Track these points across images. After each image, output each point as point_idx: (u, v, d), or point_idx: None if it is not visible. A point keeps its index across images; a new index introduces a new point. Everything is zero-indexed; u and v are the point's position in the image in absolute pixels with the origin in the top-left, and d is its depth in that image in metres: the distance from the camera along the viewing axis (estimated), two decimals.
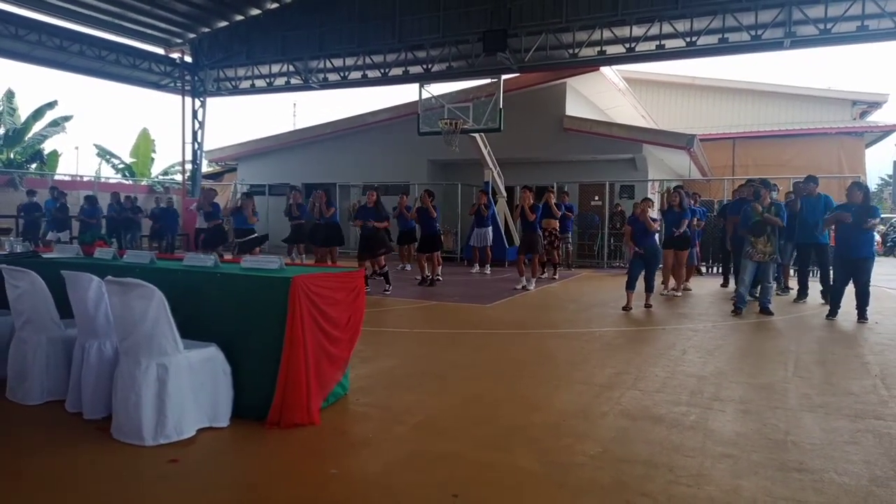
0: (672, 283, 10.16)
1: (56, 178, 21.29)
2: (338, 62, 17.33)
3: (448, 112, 14.40)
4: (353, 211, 17.15)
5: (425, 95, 14.95)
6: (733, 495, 2.82)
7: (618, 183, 17.07)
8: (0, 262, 4.56)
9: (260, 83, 18.96)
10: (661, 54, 14.21)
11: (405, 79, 16.76)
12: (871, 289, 7.69)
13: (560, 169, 17.61)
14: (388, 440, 3.51)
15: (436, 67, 16.02)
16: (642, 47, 14.00)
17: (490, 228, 13.26)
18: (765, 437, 3.58)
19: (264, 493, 2.84)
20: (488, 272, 13.22)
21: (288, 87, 18.76)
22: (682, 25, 13.51)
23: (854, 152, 22.95)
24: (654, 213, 8.97)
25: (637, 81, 25.51)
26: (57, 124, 23.31)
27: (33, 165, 22.99)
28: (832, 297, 7.95)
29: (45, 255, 5.20)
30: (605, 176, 16.80)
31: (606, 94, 19.91)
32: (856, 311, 7.62)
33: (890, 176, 30.56)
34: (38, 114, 22.86)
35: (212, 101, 20.26)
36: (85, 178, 22.82)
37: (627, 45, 14.09)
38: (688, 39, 13.54)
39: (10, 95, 23.10)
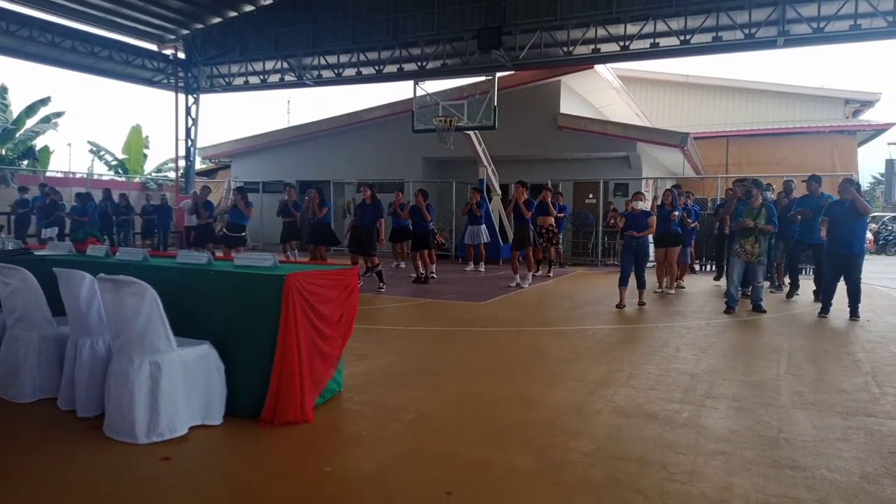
0: (665, 280, 10.20)
1: (48, 174, 21.16)
2: (332, 59, 17.28)
3: (443, 109, 14.38)
4: (347, 207, 17.17)
5: (420, 93, 14.93)
6: (726, 492, 2.83)
7: (612, 181, 17.10)
8: None
9: (254, 80, 18.88)
10: (655, 52, 14.23)
11: (400, 76, 16.73)
12: (862, 286, 7.74)
13: (554, 167, 17.63)
14: (383, 438, 3.51)
15: (430, 65, 16.00)
16: (636, 45, 14.01)
17: (483, 226, 13.27)
18: (757, 434, 3.59)
19: (258, 491, 2.83)
20: (483, 270, 13.23)
21: (282, 84, 18.69)
22: (676, 24, 13.53)
23: (847, 151, 23.07)
24: (646, 206, 8.96)
25: (631, 79, 25.56)
26: (49, 120, 23.18)
27: (25, 162, 22.86)
28: (823, 295, 7.99)
29: (36, 253, 5.17)
30: (600, 174, 16.82)
31: (601, 92, 19.92)
32: (848, 309, 7.67)
33: (882, 174, 30.71)
34: (30, 110, 22.73)
35: (205, 98, 20.18)
36: (77, 175, 22.71)
37: (622, 44, 14.10)
38: (682, 38, 13.56)
39: (2, 91, 22.95)
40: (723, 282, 10.44)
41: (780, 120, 25.74)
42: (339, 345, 4.05)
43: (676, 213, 9.84)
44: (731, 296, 8.14)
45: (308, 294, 3.72)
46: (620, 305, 8.42)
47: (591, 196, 17.27)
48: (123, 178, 23.68)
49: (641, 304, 8.61)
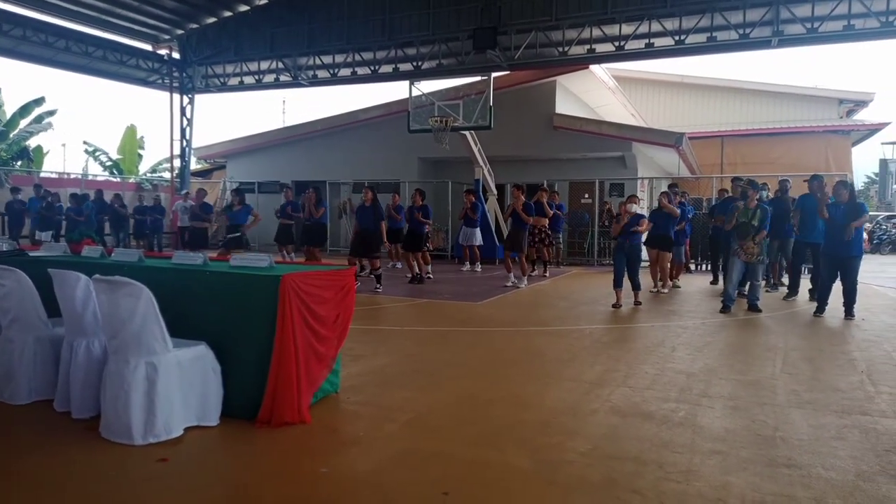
0: (658, 282, 10.23)
1: (42, 175, 21.07)
2: (327, 59, 17.27)
3: (438, 110, 14.38)
4: (343, 208, 17.15)
5: (415, 93, 14.92)
6: (722, 491, 2.84)
7: (607, 181, 17.12)
8: None
9: (249, 80, 18.85)
10: (650, 53, 14.27)
11: (395, 76, 16.73)
12: (858, 286, 7.77)
13: (550, 167, 17.65)
14: (379, 438, 3.51)
15: (426, 65, 16.01)
16: (631, 46, 14.05)
17: (478, 229, 13.27)
18: (753, 433, 3.60)
19: (254, 492, 2.83)
20: (479, 270, 13.23)
21: (277, 84, 18.68)
22: (670, 24, 13.57)
23: (841, 150, 23.17)
24: (640, 209, 8.98)
25: (627, 80, 25.59)
26: (42, 120, 23.08)
27: (19, 163, 22.76)
28: (819, 295, 8.02)
29: (31, 254, 5.15)
30: (595, 174, 16.84)
31: (596, 93, 19.96)
32: (843, 309, 7.70)
33: (876, 174, 30.85)
34: (24, 110, 22.63)
35: (200, 98, 20.14)
36: (72, 176, 22.60)
37: (617, 44, 14.14)
38: (676, 38, 13.61)
39: None
40: (719, 284, 10.46)
41: (775, 120, 25.83)
42: (334, 345, 4.04)
43: (680, 215, 9.93)
44: (728, 295, 8.16)
45: (304, 295, 3.71)
46: (616, 305, 8.44)
47: (586, 196, 17.29)
48: (118, 179, 23.60)
49: (637, 303, 8.63)
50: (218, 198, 21.10)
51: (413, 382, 4.68)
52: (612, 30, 14.06)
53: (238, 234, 10.90)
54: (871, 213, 24.02)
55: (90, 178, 22.35)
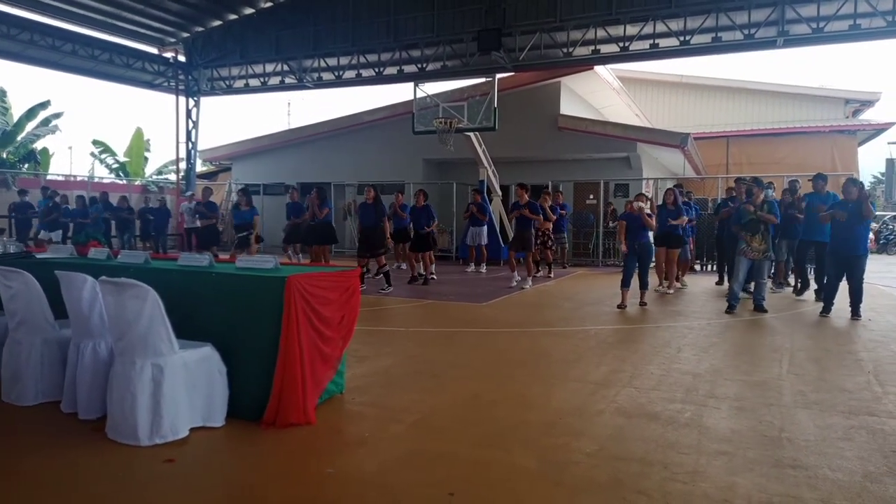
0: (664, 281, 10.21)
1: (49, 177, 21.19)
2: (332, 61, 17.30)
3: (443, 111, 14.39)
4: (347, 209, 17.16)
5: (420, 94, 14.94)
6: (728, 492, 2.83)
7: (612, 181, 17.10)
8: None
9: (254, 82, 18.90)
10: (654, 53, 14.24)
11: (400, 78, 16.74)
12: (864, 286, 7.73)
13: (555, 168, 17.64)
14: (385, 439, 3.51)
15: (430, 66, 16.01)
16: (636, 46, 14.02)
17: (485, 227, 13.27)
18: (760, 433, 3.59)
19: (260, 493, 2.83)
20: (484, 270, 13.23)
21: (282, 87, 18.72)
22: (675, 24, 13.54)
23: (847, 150, 23.08)
24: (646, 207, 8.96)
25: (631, 80, 25.57)
26: (49, 123, 23.20)
27: (26, 165, 22.89)
28: (825, 294, 7.99)
29: (38, 256, 5.18)
30: (600, 174, 16.82)
31: (601, 93, 19.94)
32: (849, 309, 7.67)
33: (882, 174, 30.70)
34: (30, 114, 22.75)
35: (206, 101, 20.20)
36: (78, 178, 22.72)
37: (621, 44, 14.11)
38: (681, 38, 13.57)
39: (2, 94, 22.98)
40: (725, 285, 10.42)
41: (781, 120, 25.75)
42: (339, 346, 4.05)
43: (683, 216, 9.88)
44: (733, 294, 8.14)
45: (309, 296, 3.72)
46: (622, 306, 8.42)
47: (591, 197, 17.27)
48: (124, 181, 23.70)
49: (643, 304, 8.61)
50: (224, 199, 21.16)
51: (418, 383, 4.68)
52: (617, 30, 14.04)
53: (247, 233, 10.93)
54: (877, 213, 23.93)
55: (96, 180, 22.46)
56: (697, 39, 13.51)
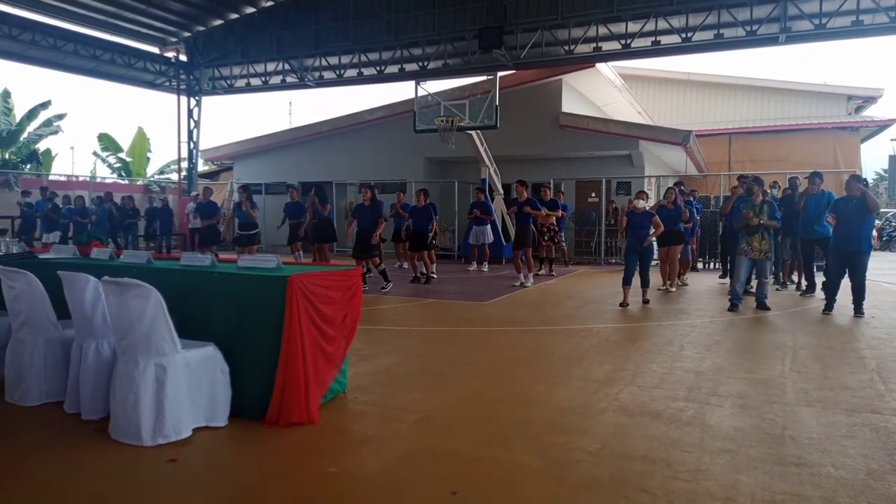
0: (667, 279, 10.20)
1: (51, 178, 21.23)
2: (333, 60, 17.30)
3: (444, 109, 14.39)
4: (350, 209, 17.17)
5: (421, 93, 14.93)
6: (732, 490, 2.83)
7: (614, 179, 17.08)
8: None
9: (255, 82, 18.92)
10: (656, 50, 14.22)
11: (401, 76, 16.75)
12: (867, 283, 7.71)
13: (556, 166, 17.62)
14: (387, 438, 3.51)
15: (432, 65, 16.01)
16: (638, 43, 14.01)
17: (489, 226, 13.27)
18: (763, 431, 3.59)
19: (263, 493, 2.84)
20: (486, 269, 13.23)
21: (283, 86, 18.74)
22: (677, 21, 13.53)
23: (850, 147, 23.02)
24: (646, 206, 8.92)
25: (633, 78, 25.52)
26: (50, 124, 23.24)
27: (28, 166, 22.93)
28: (826, 292, 7.97)
29: (41, 256, 5.19)
30: (602, 172, 16.81)
31: (602, 91, 19.90)
32: (852, 306, 7.65)
33: (885, 170, 30.63)
34: (31, 114, 22.79)
35: (207, 100, 20.23)
36: (80, 178, 22.76)
37: (623, 42, 14.09)
38: (683, 35, 13.56)
39: (5, 95, 23.02)
40: (728, 279, 10.41)
41: (783, 117, 25.69)
42: (342, 345, 4.05)
43: (688, 215, 9.88)
44: (735, 293, 8.13)
45: (311, 295, 3.72)
46: (624, 304, 8.41)
47: (593, 195, 17.25)
48: (126, 181, 23.74)
49: (645, 302, 8.60)
50: (225, 199, 21.18)
51: (420, 382, 4.68)
52: (619, 28, 14.03)
53: (255, 231, 10.94)
54: (880, 210, 23.86)
55: (98, 180, 22.49)
56: (699, 36, 13.50)
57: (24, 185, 17.45)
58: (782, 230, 9.42)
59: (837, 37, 13.08)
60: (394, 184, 17.60)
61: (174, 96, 19.36)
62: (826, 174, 9.92)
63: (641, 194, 8.88)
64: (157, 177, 25.76)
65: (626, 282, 8.53)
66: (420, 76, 15.59)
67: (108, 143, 24.77)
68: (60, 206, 14.70)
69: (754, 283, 8.57)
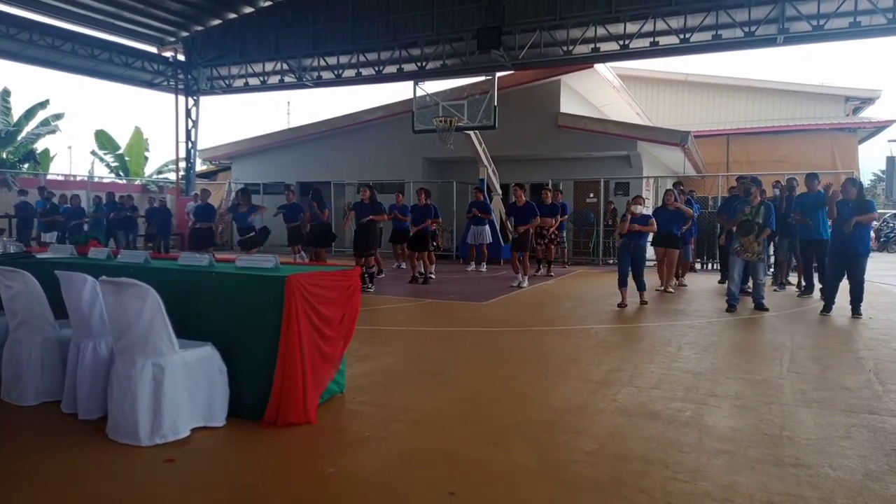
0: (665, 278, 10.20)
1: (49, 177, 21.19)
2: (332, 60, 17.29)
3: (443, 110, 14.38)
4: (348, 208, 17.16)
5: (420, 93, 14.93)
6: (729, 491, 2.83)
7: (612, 180, 17.09)
8: None
9: (253, 81, 18.90)
10: (654, 51, 14.23)
11: (399, 77, 16.74)
12: (864, 284, 7.73)
13: (555, 166, 17.63)
14: (385, 438, 3.51)
15: (430, 65, 16.01)
16: (636, 44, 14.01)
17: (487, 226, 13.27)
18: (760, 432, 3.59)
19: (261, 493, 2.83)
20: (484, 270, 13.23)
21: (282, 86, 18.72)
22: (675, 22, 13.54)
23: (847, 148, 23.04)
24: (645, 209, 8.93)
25: (631, 78, 25.54)
26: (48, 123, 23.19)
27: (25, 165, 22.89)
28: (825, 293, 7.98)
29: (38, 256, 5.18)
30: (600, 173, 16.82)
31: (601, 92, 19.91)
32: (850, 307, 7.66)
33: (883, 171, 30.67)
34: (29, 114, 22.75)
35: (205, 100, 20.20)
36: (78, 178, 22.72)
37: (621, 42, 14.10)
38: (681, 36, 13.57)
39: (5, 94, 22.97)
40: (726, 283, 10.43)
41: (781, 118, 25.72)
42: (340, 346, 4.05)
43: (690, 211, 9.92)
44: (731, 294, 8.14)
45: (310, 295, 3.72)
46: (622, 305, 8.42)
47: (591, 195, 17.26)
48: (124, 181, 23.70)
49: (643, 303, 8.61)
50: (223, 200, 21.15)
51: (419, 382, 4.68)
52: (617, 28, 14.04)
53: (252, 234, 10.92)
54: (878, 211, 23.92)
55: (96, 180, 22.45)
56: (697, 37, 13.51)
57: (21, 185, 17.42)
58: (780, 231, 9.42)
59: (835, 38, 13.10)
60: (392, 184, 17.59)
61: (172, 96, 19.33)
62: (824, 175, 9.94)
63: (639, 199, 8.89)
64: (155, 176, 25.72)
65: (622, 283, 8.53)
66: (418, 76, 15.58)
67: (104, 140, 24.68)
68: (58, 205, 14.67)
69: (751, 283, 8.58)
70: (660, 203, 10.67)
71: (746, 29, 13.01)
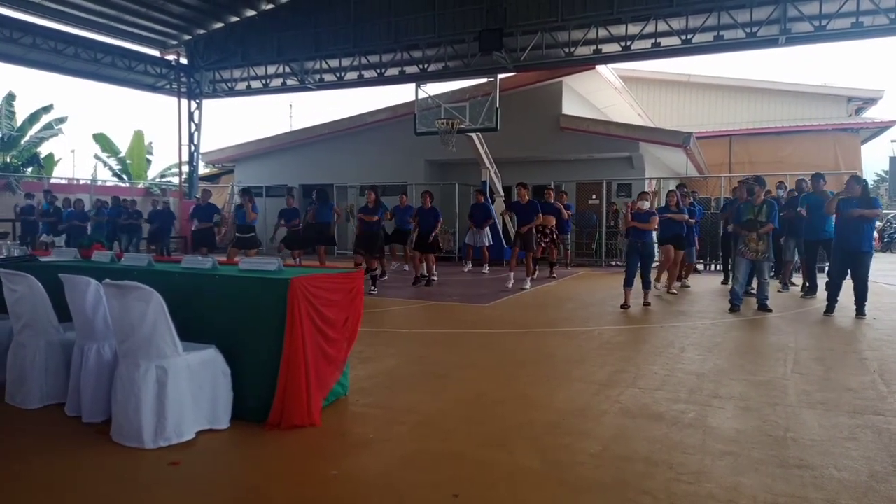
0: (664, 279, 10.20)
1: (52, 181, 21.24)
2: (334, 63, 17.31)
3: (445, 112, 14.39)
4: (350, 211, 17.19)
5: (422, 95, 14.94)
6: (734, 492, 2.82)
7: (615, 181, 17.09)
8: None
9: (256, 84, 18.92)
10: (656, 52, 14.21)
11: (401, 79, 16.75)
12: (868, 284, 7.71)
13: (557, 168, 17.63)
14: (389, 440, 3.51)
15: (432, 67, 16.02)
16: (638, 45, 14.00)
17: (487, 229, 13.26)
18: (765, 433, 3.58)
19: (265, 495, 2.84)
20: (486, 271, 13.23)
21: (284, 88, 18.73)
22: (677, 23, 13.52)
23: (850, 148, 23.00)
24: (648, 206, 8.92)
25: (633, 80, 25.53)
26: (52, 127, 23.26)
27: (29, 169, 22.95)
28: (828, 293, 7.96)
29: (42, 259, 5.19)
30: (603, 174, 16.81)
31: (603, 93, 19.92)
32: (853, 307, 7.64)
33: (886, 171, 30.59)
34: (33, 118, 22.81)
35: (208, 103, 20.23)
36: (81, 182, 22.76)
37: (623, 44, 14.09)
38: (683, 37, 13.55)
39: (10, 98, 23.03)
40: (730, 285, 10.40)
41: (783, 118, 25.69)
42: (344, 348, 4.05)
43: (687, 216, 9.88)
44: (735, 295, 8.12)
45: (313, 297, 3.72)
46: (625, 306, 8.40)
47: (594, 197, 17.25)
48: (127, 184, 23.74)
49: (646, 304, 8.60)
50: (226, 202, 21.18)
51: (422, 384, 4.68)
52: (619, 30, 14.03)
53: (252, 234, 10.95)
54: (882, 209, 23.83)
55: (99, 183, 22.50)
56: (699, 38, 13.49)
57: (25, 189, 17.46)
58: (787, 231, 9.40)
59: (837, 38, 13.07)
60: (395, 186, 17.60)
61: (175, 99, 19.38)
62: (827, 176, 9.90)
63: (644, 195, 8.88)
64: (158, 180, 25.75)
65: (628, 283, 8.53)
66: (420, 78, 15.60)
67: (104, 143, 24.74)
68: (62, 208, 14.70)
69: (755, 284, 8.56)
70: (663, 204, 10.66)
71: (748, 30, 12.99)
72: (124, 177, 24.92)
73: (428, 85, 15.27)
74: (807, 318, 7.74)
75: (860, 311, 7.57)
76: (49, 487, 2.91)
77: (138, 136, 25.13)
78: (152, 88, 19.74)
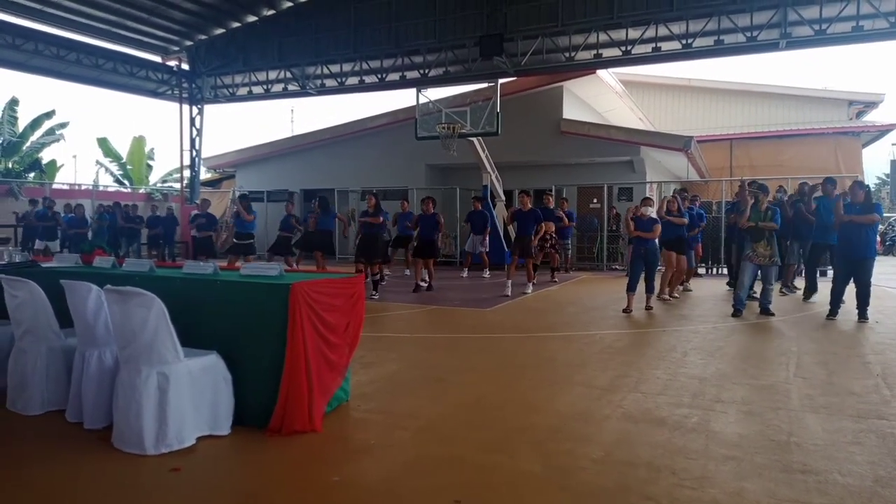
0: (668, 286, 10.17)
1: (54, 187, 21.27)
2: (335, 68, 17.35)
3: (446, 116, 14.41)
4: (351, 215, 17.20)
5: (423, 100, 14.97)
6: (737, 498, 2.81)
7: (616, 185, 17.09)
8: None
9: (257, 90, 18.97)
10: (657, 56, 14.24)
11: (402, 84, 16.78)
12: (871, 288, 7.69)
13: (558, 172, 17.63)
14: (390, 446, 3.50)
15: (433, 72, 16.05)
16: (638, 50, 14.03)
17: (486, 234, 13.24)
18: (768, 438, 3.57)
19: (266, 501, 2.83)
20: (487, 276, 13.22)
21: (285, 94, 18.78)
22: (677, 28, 13.54)
23: (851, 152, 22.99)
24: (653, 213, 8.91)
25: (634, 84, 25.54)
26: (54, 133, 23.30)
27: (31, 175, 22.98)
28: (832, 297, 7.95)
29: (43, 265, 5.19)
30: (603, 178, 16.82)
31: (603, 97, 19.93)
32: (856, 311, 7.63)
33: (887, 175, 30.59)
34: (35, 123, 22.86)
35: (209, 109, 20.29)
36: (83, 187, 22.79)
37: (623, 48, 14.12)
38: (683, 41, 13.57)
39: (12, 103, 23.08)
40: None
41: (784, 122, 25.68)
42: (346, 353, 4.04)
43: (685, 220, 9.87)
44: (739, 299, 8.11)
45: (314, 303, 3.72)
46: (627, 310, 8.39)
47: (595, 201, 17.26)
48: (129, 190, 23.76)
49: (649, 308, 8.58)
50: (227, 208, 21.21)
51: (423, 389, 4.67)
52: (619, 34, 14.05)
53: (251, 241, 10.95)
54: (884, 214, 23.81)
55: (101, 189, 22.53)
56: (699, 42, 13.51)
57: (27, 195, 17.48)
58: (791, 234, 9.38)
59: (838, 42, 13.08)
60: (396, 191, 17.61)
61: (177, 105, 19.43)
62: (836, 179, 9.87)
63: (647, 201, 8.88)
64: (159, 185, 25.77)
65: (631, 288, 8.51)
66: (421, 83, 15.63)
67: (106, 148, 24.80)
68: (61, 213, 14.71)
69: (758, 288, 8.55)
70: (664, 207, 10.64)
71: (749, 34, 13.01)
72: (126, 182, 24.94)
73: (429, 90, 15.30)
74: (809, 322, 7.72)
75: (863, 315, 7.55)
76: (50, 494, 2.90)
77: (138, 141, 25.18)
78: (154, 94, 19.80)
